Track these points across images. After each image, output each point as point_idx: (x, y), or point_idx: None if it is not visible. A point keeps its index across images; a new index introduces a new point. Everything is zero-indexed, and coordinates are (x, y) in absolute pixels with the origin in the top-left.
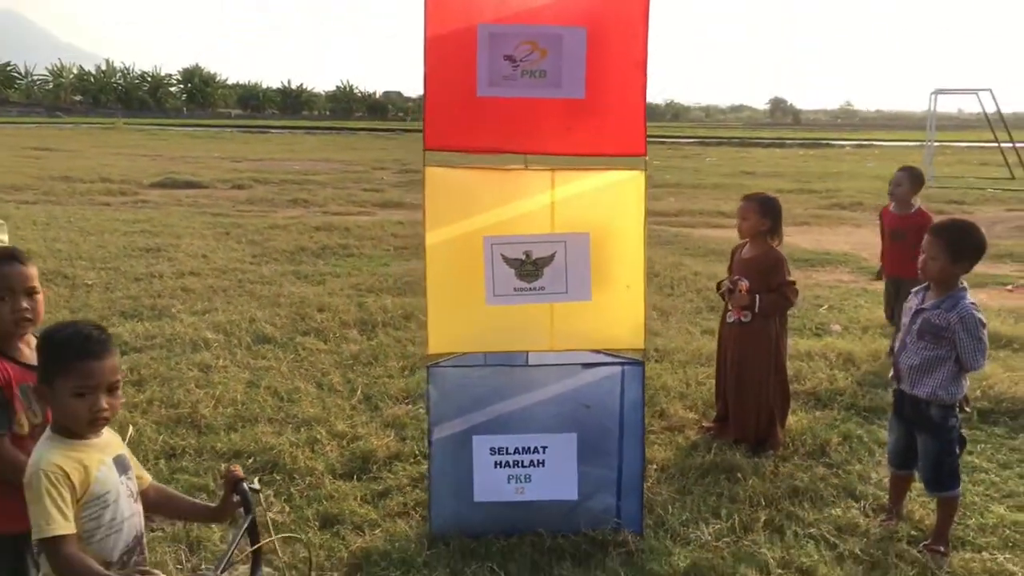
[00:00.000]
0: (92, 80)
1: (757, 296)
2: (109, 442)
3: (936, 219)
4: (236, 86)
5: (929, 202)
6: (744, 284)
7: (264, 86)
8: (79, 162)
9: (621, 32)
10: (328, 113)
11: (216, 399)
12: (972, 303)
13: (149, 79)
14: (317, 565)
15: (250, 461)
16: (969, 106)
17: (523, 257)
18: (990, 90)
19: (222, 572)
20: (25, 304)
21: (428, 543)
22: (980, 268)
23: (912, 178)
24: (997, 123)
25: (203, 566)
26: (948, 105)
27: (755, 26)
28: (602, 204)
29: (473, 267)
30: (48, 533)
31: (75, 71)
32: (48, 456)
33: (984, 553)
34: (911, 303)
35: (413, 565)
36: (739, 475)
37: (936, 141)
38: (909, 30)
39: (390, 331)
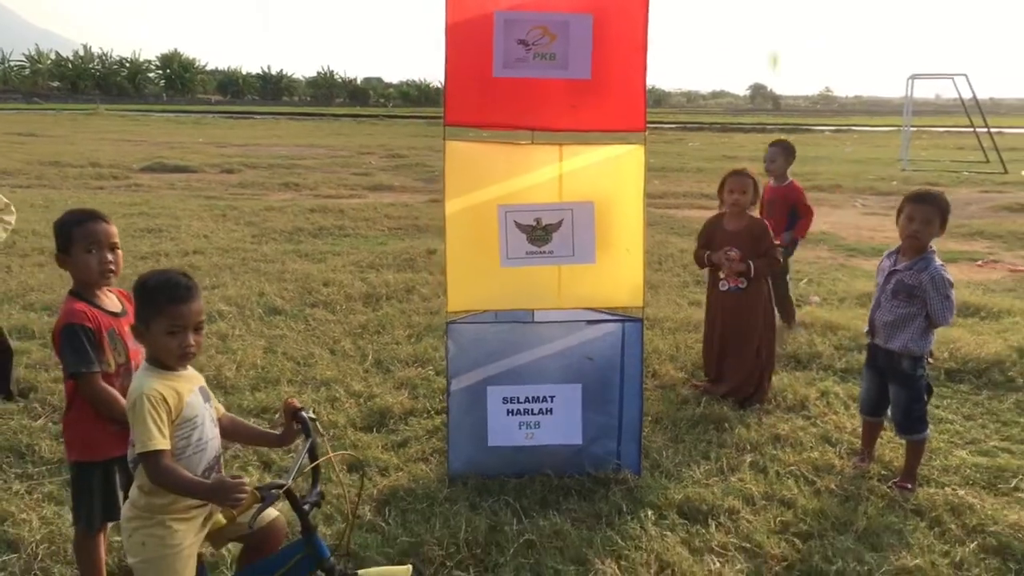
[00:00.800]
0: (70, 66)
1: (751, 262)
2: (194, 374)
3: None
4: (215, 72)
5: (906, 185)
6: (736, 253)
7: (244, 72)
8: (66, 147)
9: (624, 18)
10: (309, 99)
11: (237, 363)
12: (941, 264)
13: (128, 65)
14: (351, 500)
15: (276, 416)
16: (947, 91)
17: (534, 223)
18: (965, 75)
19: (292, 480)
20: (110, 257)
21: (448, 482)
22: (953, 245)
23: (785, 152)
24: (972, 108)
25: (276, 478)
26: (926, 91)
27: (735, 12)
28: (605, 175)
29: (488, 233)
30: (150, 447)
31: (52, 57)
32: (149, 383)
33: (947, 489)
34: (883, 264)
35: (435, 500)
36: (726, 425)
37: (913, 126)
38: (888, 16)
39: (394, 303)
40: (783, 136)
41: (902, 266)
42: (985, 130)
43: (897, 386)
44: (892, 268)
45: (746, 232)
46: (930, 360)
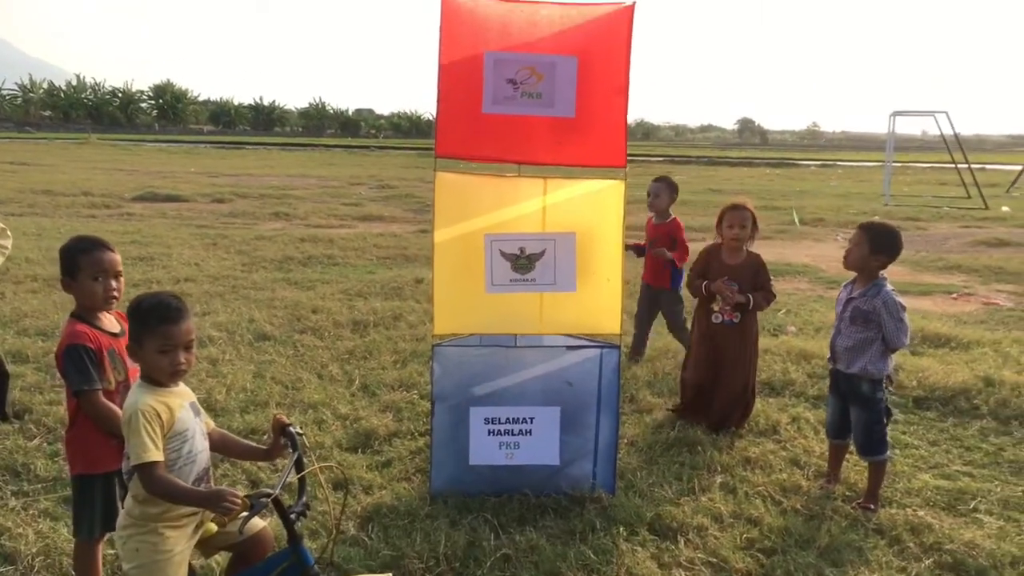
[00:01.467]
0: (62, 95)
1: (750, 296)
2: (185, 391)
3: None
4: (207, 102)
5: (886, 219)
6: (735, 287)
7: (236, 102)
8: (57, 176)
9: (606, 62)
10: (300, 130)
11: (227, 387)
12: (892, 290)
13: (120, 95)
14: (335, 517)
15: (264, 437)
16: (933, 128)
17: (518, 252)
18: (946, 113)
19: (280, 490)
20: (114, 285)
21: (429, 500)
22: (930, 278)
23: (669, 188)
24: (954, 145)
25: (265, 488)
26: (912, 127)
27: (724, 48)
28: (587, 208)
29: (475, 260)
30: (145, 459)
31: (45, 86)
32: (143, 398)
33: (908, 510)
34: (841, 295)
35: (417, 517)
36: (699, 448)
37: (897, 162)
38: (878, 52)
39: (381, 330)
40: (666, 173)
41: (857, 293)
42: (966, 166)
43: (858, 409)
44: (849, 296)
45: (744, 267)
46: (890, 388)
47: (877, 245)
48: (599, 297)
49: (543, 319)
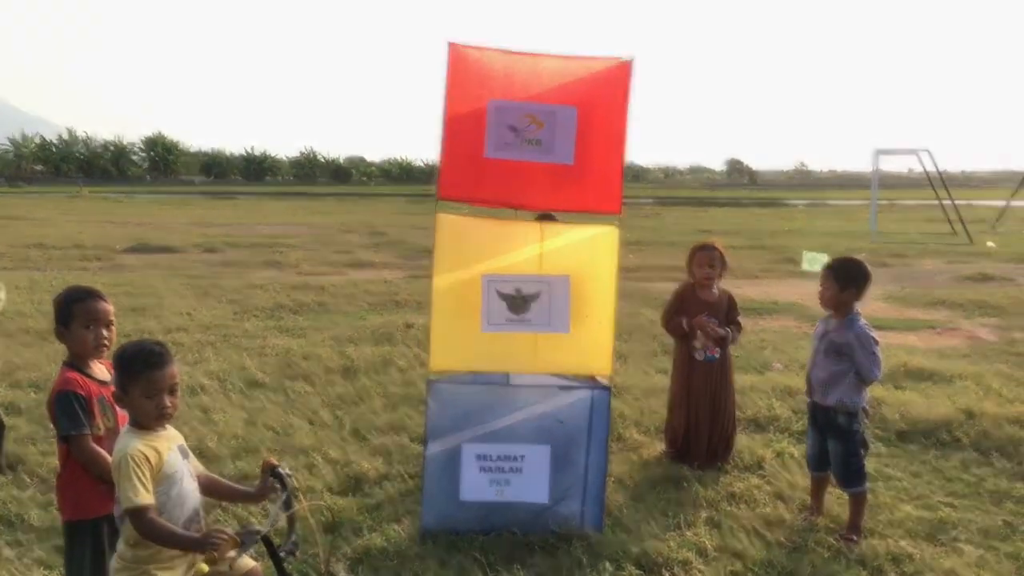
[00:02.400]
0: (54, 150)
1: (728, 329)
2: (173, 434)
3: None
4: (199, 153)
5: (873, 256)
6: (715, 322)
7: (227, 153)
8: (49, 229)
9: (605, 114)
10: (292, 178)
11: (219, 434)
12: (865, 324)
13: (112, 148)
14: (324, 560)
15: (256, 482)
16: (918, 165)
17: (514, 293)
18: (928, 151)
19: (270, 528)
20: (105, 334)
21: (419, 539)
22: (915, 313)
23: None
24: (939, 182)
25: (255, 525)
26: (899, 165)
27: (712, 90)
28: (582, 252)
29: (472, 299)
30: (136, 503)
31: (37, 141)
32: (132, 443)
33: (890, 540)
34: (818, 328)
35: (407, 557)
36: (685, 484)
37: (884, 199)
38: (868, 90)
39: (372, 375)
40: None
41: (832, 327)
42: (950, 202)
43: (835, 441)
44: (825, 330)
45: (719, 303)
46: (866, 420)
47: (844, 280)
48: (591, 339)
49: (537, 359)
